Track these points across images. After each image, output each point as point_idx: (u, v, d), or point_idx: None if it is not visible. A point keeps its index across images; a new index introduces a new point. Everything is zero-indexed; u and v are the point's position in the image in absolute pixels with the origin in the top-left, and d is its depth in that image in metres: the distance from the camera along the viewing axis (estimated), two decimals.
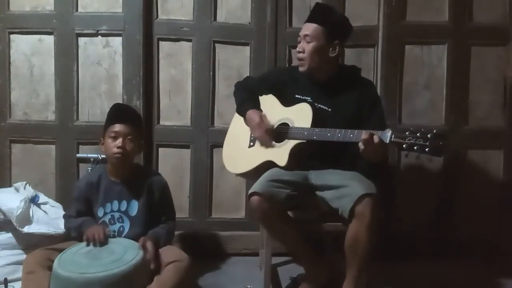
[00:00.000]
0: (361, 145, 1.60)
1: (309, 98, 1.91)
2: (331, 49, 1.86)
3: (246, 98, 2.02)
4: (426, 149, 1.47)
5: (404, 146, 1.51)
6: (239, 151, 2.04)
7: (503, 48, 2.46)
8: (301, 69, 1.90)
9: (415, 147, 1.49)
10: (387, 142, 1.57)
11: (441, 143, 1.46)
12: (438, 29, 2.44)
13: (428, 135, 1.48)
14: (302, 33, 1.89)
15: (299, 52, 1.88)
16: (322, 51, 1.86)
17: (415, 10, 2.44)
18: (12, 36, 2.42)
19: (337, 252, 1.79)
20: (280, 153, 1.85)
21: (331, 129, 1.73)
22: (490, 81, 2.47)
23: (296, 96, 1.94)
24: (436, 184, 2.47)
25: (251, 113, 1.94)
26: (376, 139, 1.58)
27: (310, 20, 1.89)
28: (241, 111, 2.02)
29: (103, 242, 1.70)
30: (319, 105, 1.89)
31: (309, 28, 1.86)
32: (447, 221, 2.47)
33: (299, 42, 1.90)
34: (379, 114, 1.87)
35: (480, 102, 2.47)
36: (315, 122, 1.80)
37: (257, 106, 1.99)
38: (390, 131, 1.57)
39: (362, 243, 1.64)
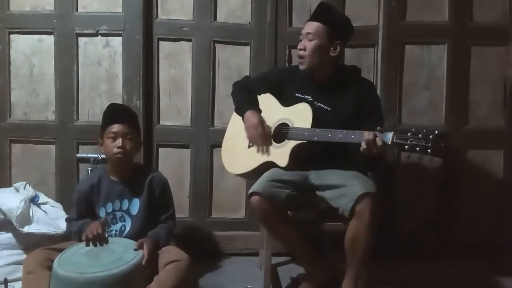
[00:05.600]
0: (363, 145, 1.61)
1: (309, 97, 1.91)
2: (332, 48, 1.86)
3: (245, 99, 2.02)
4: (429, 150, 1.48)
5: (406, 147, 1.52)
6: (238, 151, 2.03)
7: (503, 48, 2.46)
8: (301, 67, 1.90)
9: (417, 148, 1.49)
10: (389, 143, 1.57)
11: (443, 144, 1.46)
12: (438, 29, 2.44)
13: (430, 136, 1.48)
14: (304, 31, 1.88)
15: (300, 49, 1.87)
16: (323, 50, 1.85)
17: (415, 10, 2.44)
18: (12, 36, 2.42)
19: (337, 251, 1.79)
20: (281, 154, 1.85)
21: (331, 130, 1.73)
22: (490, 81, 2.47)
23: (296, 94, 1.93)
24: (436, 184, 2.46)
25: (250, 114, 1.94)
26: (379, 141, 1.59)
27: (313, 18, 1.89)
28: (241, 112, 2.01)
29: (102, 236, 1.70)
30: (319, 104, 1.89)
31: (312, 27, 1.86)
32: (447, 221, 2.46)
33: (301, 40, 1.89)
34: (377, 114, 1.87)
35: (480, 102, 2.47)
36: (315, 123, 1.80)
37: (256, 107, 1.99)
38: (392, 133, 1.58)
39: (362, 242, 1.65)
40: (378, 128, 1.62)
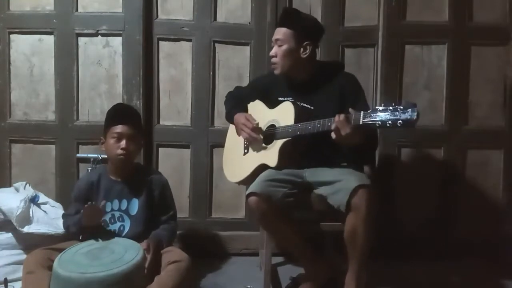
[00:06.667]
0: (332, 127, 1.61)
1: (290, 98, 1.94)
2: (302, 50, 1.89)
3: (232, 105, 2.08)
4: (399, 123, 1.46)
5: (377, 124, 1.51)
6: (236, 159, 2.07)
7: (503, 48, 2.45)
8: (275, 72, 1.94)
9: (388, 123, 1.48)
10: (361, 123, 1.55)
11: (410, 112, 1.45)
12: (438, 29, 2.44)
13: (398, 108, 1.47)
14: (274, 37, 1.92)
15: (272, 56, 1.92)
16: (293, 53, 1.88)
17: (415, 10, 2.44)
18: (12, 36, 2.42)
19: (337, 251, 1.79)
20: (270, 154, 1.88)
21: (311, 122, 1.75)
22: (490, 81, 2.47)
23: (279, 98, 1.98)
24: (436, 184, 2.46)
25: (237, 116, 2.00)
26: (341, 117, 1.58)
27: (279, 24, 1.93)
28: (229, 118, 2.08)
29: (100, 213, 1.74)
30: (302, 104, 1.92)
31: (279, 32, 1.90)
32: (447, 221, 2.46)
33: (273, 47, 1.93)
34: (362, 104, 1.85)
35: (480, 102, 2.47)
36: (298, 119, 1.82)
37: (242, 109, 2.04)
38: (362, 112, 1.56)
39: (361, 235, 1.65)
40: (347, 111, 1.61)
